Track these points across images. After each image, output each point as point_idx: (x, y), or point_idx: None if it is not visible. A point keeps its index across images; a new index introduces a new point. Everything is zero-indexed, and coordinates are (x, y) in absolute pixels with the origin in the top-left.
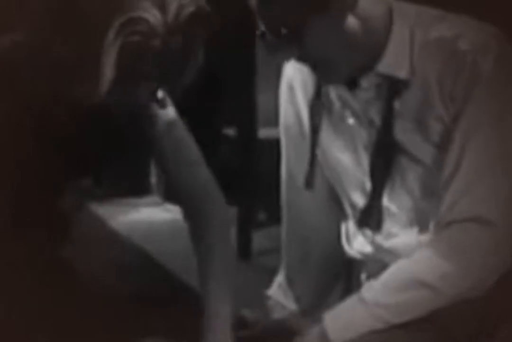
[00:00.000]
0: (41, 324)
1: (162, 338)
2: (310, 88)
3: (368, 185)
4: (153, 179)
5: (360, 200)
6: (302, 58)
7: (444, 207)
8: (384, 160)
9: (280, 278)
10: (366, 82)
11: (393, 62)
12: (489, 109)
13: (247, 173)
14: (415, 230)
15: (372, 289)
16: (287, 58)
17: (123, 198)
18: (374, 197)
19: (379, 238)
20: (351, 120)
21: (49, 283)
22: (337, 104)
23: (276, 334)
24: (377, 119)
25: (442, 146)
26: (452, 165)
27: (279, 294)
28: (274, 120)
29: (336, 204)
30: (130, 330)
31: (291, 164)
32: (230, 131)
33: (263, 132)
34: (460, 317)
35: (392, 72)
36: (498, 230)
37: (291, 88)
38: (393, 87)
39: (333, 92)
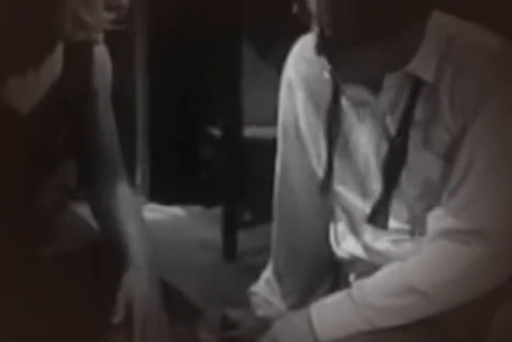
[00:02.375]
0: (23, 323)
1: None
2: (318, 93)
3: (370, 187)
4: (138, 180)
5: (358, 203)
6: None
7: (445, 214)
8: (397, 160)
9: (267, 273)
10: (388, 82)
11: (421, 64)
12: (498, 122)
13: (233, 173)
14: (406, 233)
15: (363, 289)
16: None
17: None
18: (384, 195)
19: (368, 239)
20: (362, 130)
21: (30, 281)
22: (349, 112)
23: (262, 333)
24: (393, 125)
25: (448, 157)
26: (459, 175)
27: (265, 290)
28: (259, 119)
29: (326, 205)
30: (117, 329)
31: (286, 164)
32: (215, 131)
33: (249, 132)
34: (453, 317)
35: (419, 73)
36: (497, 243)
37: (290, 89)
38: (415, 90)
39: (345, 100)
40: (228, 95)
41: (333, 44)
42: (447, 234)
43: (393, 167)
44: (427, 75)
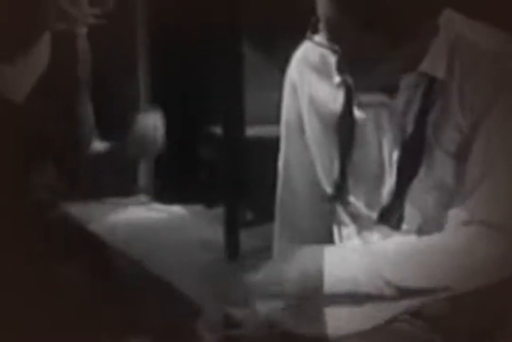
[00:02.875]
0: (19, 322)
1: (147, 337)
2: (323, 99)
3: (382, 191)
4: (140, 180)
5: (366, 208)
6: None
7: (463, 211)
8: (414, 161)
9: None
10: (404, 82)
11: (432, 63)
12: (507, 120)
13: (234, 172)
14: (414, 233)
15: (374, 247)
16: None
17: (108, 197)
18: (398, 195)
19: (374, 240)
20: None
21: (26, 280)
22: (363, 121)
23: (265, 332)
24: (409, 125)
25: (459, 157)
26: (474, 174)
27: None
28: (261, 119)
29: (329, 206)
30: (113, 331)
31: (288, 163)
32: (217, 130)
33: (251, 131)
34: (454, 313)
35: (431, 72)
36: (509, 238)
37: (294, 90)
38: (429, 89)
39: (358, 109)
40: (229, 95)
41: (355, 64)
42: (464, 227)
43: (409, 167)
44: (439, 73)
